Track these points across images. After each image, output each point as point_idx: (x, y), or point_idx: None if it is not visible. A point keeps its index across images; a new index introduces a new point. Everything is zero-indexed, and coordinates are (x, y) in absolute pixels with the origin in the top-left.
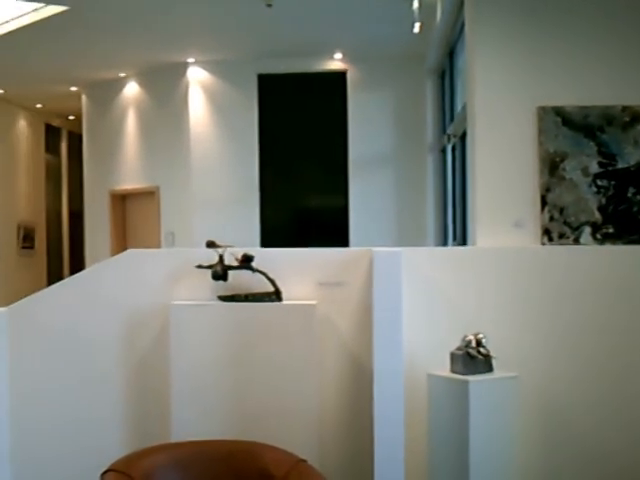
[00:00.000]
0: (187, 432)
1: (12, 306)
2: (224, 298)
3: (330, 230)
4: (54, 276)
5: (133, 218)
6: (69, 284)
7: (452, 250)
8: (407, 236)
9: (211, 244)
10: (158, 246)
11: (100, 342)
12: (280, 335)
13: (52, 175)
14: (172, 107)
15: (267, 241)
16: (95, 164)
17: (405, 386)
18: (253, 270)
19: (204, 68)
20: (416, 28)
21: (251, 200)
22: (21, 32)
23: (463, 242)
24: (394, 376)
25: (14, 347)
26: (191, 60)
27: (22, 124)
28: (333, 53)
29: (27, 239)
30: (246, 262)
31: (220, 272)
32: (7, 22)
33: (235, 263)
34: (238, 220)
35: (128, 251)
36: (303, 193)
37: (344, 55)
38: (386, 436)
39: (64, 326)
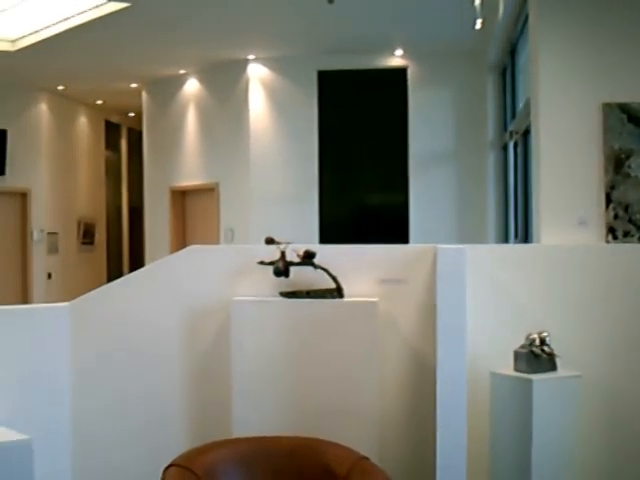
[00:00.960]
0: (248, 428)
1: (74, 301)
2: (285, 294)
3: (390, 227)
4: (114, 271)
5: (192, 214)
6: (131, 280)
7: (515, 247)
8: (468, 233)
9: (270, 241)
10: (217, 242)
11: (161, 338)
12: (341, 332)
13: (112, 171)
14: (232, 104)
15: (326, 238)
16: (155, 161)
17: (467, 384)
18: (315, 266)
19: (264, 65)
20: (478, 24)
21: (310, 197)
22: (82, 29)
23: (525, 240)
24: (457, 374)
25: (76, 342)
26: (251, 57)
27: (82, 121)
28: (394, 49)
29: (87, 235)
30: (308, 258)
31: (282, 268)
32: (68, 19)
33: (297, 259)
34: (297, 217)
35: (190, 247)
36: (363, 190)
37: (405, 51)
38: (448, 434)
39: (126, 321)
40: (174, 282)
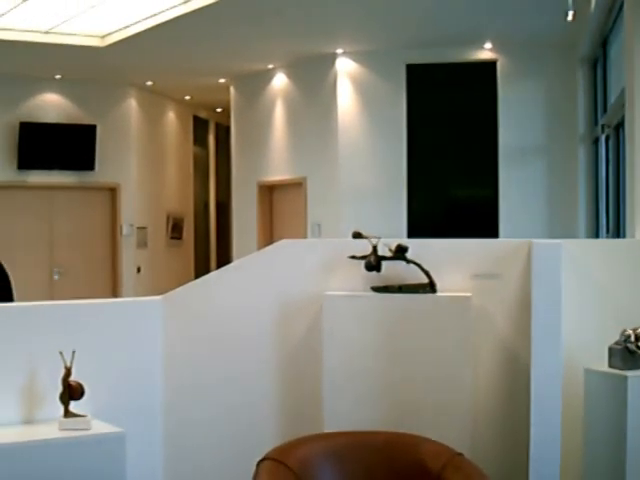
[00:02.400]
0: (339, 422)
1: (167, 295)
2: (377, 289)
3: (479, 221)
4: (201, 266)
5: (280, 209)
6: (223, 274)
7: (610, 242)
8: (558, 227)
9: (357, 235)
10: (304, 237)
11: (253, 331)
12: (434, 327)
13: (200, 167)
14: (320, 98)
15: (414, 232)
16: (243, 156)
17: (562, 380)
18: (407, 261)
19: (352, 59)
20: (569, 16)
21: (398, 191)
22: (170, 24)
23: (617, 234)
24: (553, 371)
25: (168, 335)
26: (339, 51)
27: (171, 116)
28: (483, 42)
29: (175, 229)
30: (400, 253)
31: (374, 263)
32: (157, 14)
33: (389, 254)
34: (384, 211)
35: (281, 241)
36: (451, 184)
37: (494, 45)
38: (542, 432)
39: (218, 314)
40: (266, 276)
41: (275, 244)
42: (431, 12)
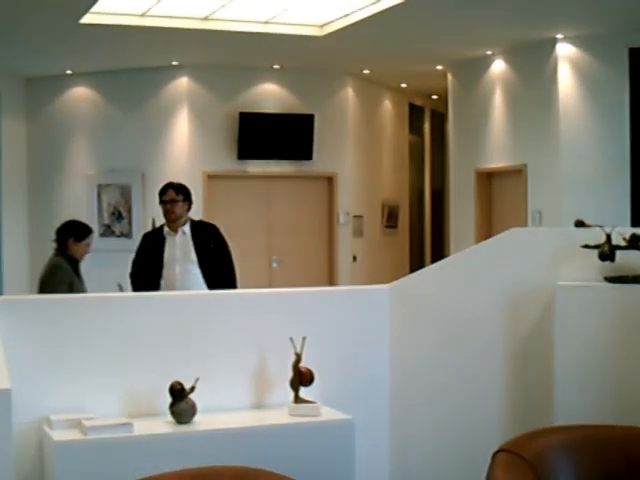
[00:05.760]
0: (570, 414)
1: (394, 283)
2: (611, 279)
3: None
4: (415, 255)
5: (498, 197)
6: (451, 262)
7: None
8: None
9: (580, 223)
10: (524, 225)
11: (481, 320)
12: None
13: (415, 155)
14: (540, 84)
15: (638, 222)
16: (460, 143)
17: None
18: None
19: (572, 43)
20: None
21: (621, 178)
22: (389, 12)
23: None
24: None
25: (395, 323)
26: (559, 36)
27: (387, 104)
28: None
29: (391, 218)
30: (635, 242)
31: (608, 252)
32: (376, 3)
33: (623, 243)
34: (607, 199)
35: (511, 230)
36: None
37: None
38: None
39: (445, 303)
40: (496, 264)
41: (504, 233)
42: None
